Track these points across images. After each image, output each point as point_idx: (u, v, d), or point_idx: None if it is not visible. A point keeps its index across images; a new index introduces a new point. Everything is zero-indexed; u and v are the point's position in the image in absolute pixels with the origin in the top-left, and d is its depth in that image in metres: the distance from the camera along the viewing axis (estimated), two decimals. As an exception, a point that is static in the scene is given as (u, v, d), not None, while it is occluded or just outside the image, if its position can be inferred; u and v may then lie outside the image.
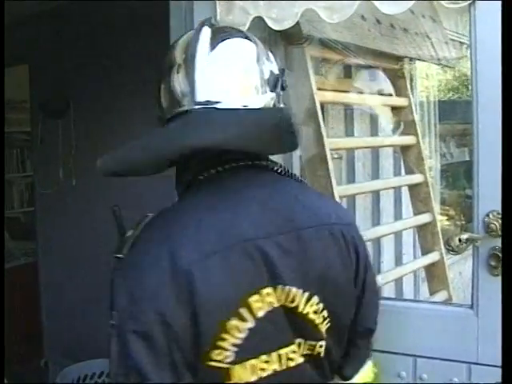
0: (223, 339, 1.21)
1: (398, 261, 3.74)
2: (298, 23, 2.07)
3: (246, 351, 1.24)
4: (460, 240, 1.76)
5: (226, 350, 1.21)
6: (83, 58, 4.07)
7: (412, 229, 3.65)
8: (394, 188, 3.70)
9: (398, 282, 3.50)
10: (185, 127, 1.27)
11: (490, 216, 1.74)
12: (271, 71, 1.36)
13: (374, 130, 3.60)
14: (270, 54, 1.40)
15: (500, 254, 1.72)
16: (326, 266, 1.32)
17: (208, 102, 1.29)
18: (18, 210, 6.19)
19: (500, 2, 1.66)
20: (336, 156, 2.93)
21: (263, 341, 1.27)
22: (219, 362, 1.21)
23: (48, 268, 4.70)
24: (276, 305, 1.26)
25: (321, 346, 1.32)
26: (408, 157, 3.45)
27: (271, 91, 1.35)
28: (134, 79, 3.71)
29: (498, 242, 1.73)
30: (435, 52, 3.93)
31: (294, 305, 1.27)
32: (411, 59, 3.80)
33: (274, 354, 1.28)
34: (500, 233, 1.72)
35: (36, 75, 4.57)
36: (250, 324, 1.23)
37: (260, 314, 1.24)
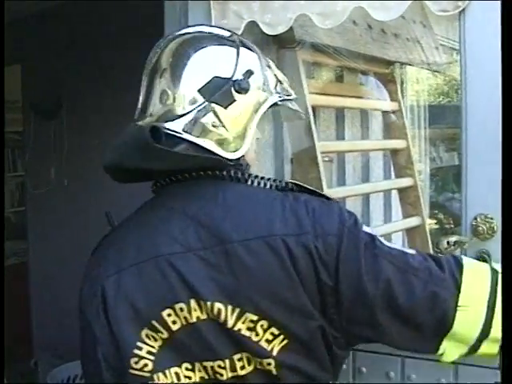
0: (139, 348, 1.26)
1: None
2: (290, 28, 2.10)
3: (166, 360, 1.27)
4: (448, 243, 1.78)
5: (143, 358, 1.27)
6: (76, 59, 4.08)
7: (401, 232, 3.67)
8: (383, 191, 3.73)
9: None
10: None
11: (478, 219, 1.77)
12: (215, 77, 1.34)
13: (365, 133, 3.63)
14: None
15: (487, 257, 1.75)
16: (264, 281, 1.24)
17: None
18: (9, 210, 6.18)
19: (489, 9, 1.70)
20: (327, 159, 2.96)
21: (184, 351, 1.28)
22: (139, 370, 1.27)
23: (39, 268, 4.70)
24: (196, 320, 1.25)
25: (269, 364, 1.27)
26: (398, 160, 3.48)
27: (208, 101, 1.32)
28: (127, 80, 3.72)
29: (486, 245, 1.76)
30: (426, 57, 3.96)
31: (221, 320, 1.24)
32: (402, 64, 3.83)
33: (198, 364, 1.28)
34: (487, 236, 1.75)
35: (28, 75, 4.58)
36: (165, 335, 1.26)
37: (175, 327, 1.26)
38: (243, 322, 1.24)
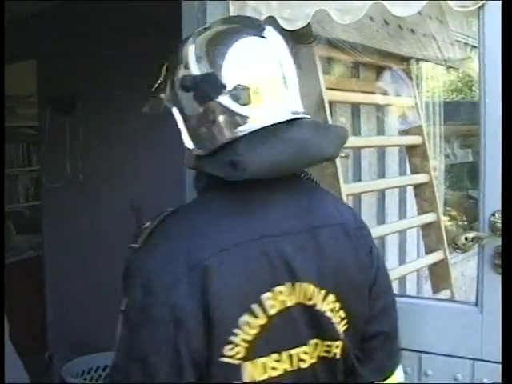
0: (235, 334, 1.23)
1: (402, 259, 3.77)
2: (308, 23, 2.09)
3: (258, 349, 1.26)
4: (466, 239, 1.79)
5: (238, 345, 1.24)
6: (91, 54, 4.10)
7: (415, 228, 3.68)
8: (399, 187, 3.73)
9: (402, 280, 3.53)
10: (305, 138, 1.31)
11: (496, 215, 1.77)
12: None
13: (381, 129, 3.63)
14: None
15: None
16: (341, 265, 1.34)
17: None
18: (23, 204, 6.24)
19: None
20: (343, 155, 2.96)
21: (275, 339, 1.29)
22: (231, 357, 1.24)
23: (53, 262, 4.72)
24: (291, 303, 1.28)
25: (337, 347, 1.34)
26: (413, 157, 3.48)
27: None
28: (142, 75, 3.74)
29: (504, 241, 1.76)
30: (441, 53, 3.96)
31: (311, 303, 1.30)
32: (417, 60, 3.82)
33: (285, 354, 1.30)
34: (506, 232, 1.75)
35: (44, 70, 4.58)
36: (262, 321, 1.26)
37: (272, 311, 1.26)
38: (327, 304, 1.31)
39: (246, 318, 1.24)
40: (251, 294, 1.25)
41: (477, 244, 1.82)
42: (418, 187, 3.49)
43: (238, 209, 1.31)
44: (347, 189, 2.79)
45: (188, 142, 1.35)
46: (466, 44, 4.16)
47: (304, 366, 1.32)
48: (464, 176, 5.18)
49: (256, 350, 1.26)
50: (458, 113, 4.83)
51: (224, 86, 1.29)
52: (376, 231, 3.37)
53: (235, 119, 1.29)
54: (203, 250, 1.24)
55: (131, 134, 3.95)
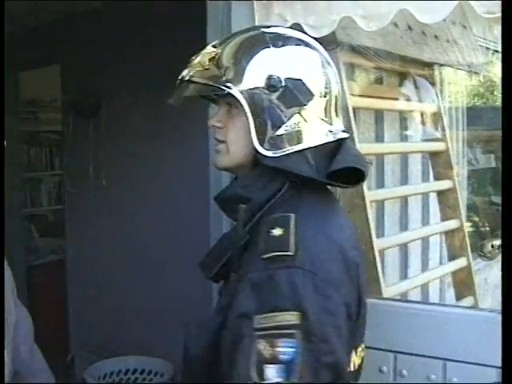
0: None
1: (425, 266, 3.75)
2: (332, 30, 2.10)
3: (354, 340, 1.37)
4: (493, 246, 1.78)
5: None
6: (115, 58, 4.12)
7: (438, 234, 3.66)
8: (422, 194, 3.72)
9: (424, 287, 3.51)
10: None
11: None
12: None
13: (404, 135, 3.62)
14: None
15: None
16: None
17: None
18: (46, 208, 6.28)
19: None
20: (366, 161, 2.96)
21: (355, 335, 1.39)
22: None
23: (76, 265, 4.75)
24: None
25: (362, 350, 1.44)
26: (437, 163, 3.47)
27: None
28: (165, 79, 3.75)
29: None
30: (464, 58, 3.94)
31: None
32: (440, 65, 3.81)
33: (360, 348, 1.42)
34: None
35: (68, 75, 4.61)
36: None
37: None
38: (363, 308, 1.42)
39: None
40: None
41: (503, 251, 1.81)
42: (441, 193, 3.48)
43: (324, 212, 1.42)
44: (371, 195, 2.79)
45: (255, 141, 1.37)
46: (487, 49, 4.14)
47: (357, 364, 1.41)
48: (487, 182, 5.16)
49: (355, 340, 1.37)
50: (481, 118, 4.81)
51: (312, 94, 1.38)
52: (399, 238, 3.37)
53: (319, 127, 1.40)
54: (350, 249, 1.36)
55: (155, 139, 3.97)
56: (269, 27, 1.50)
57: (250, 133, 1.38)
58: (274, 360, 1.18)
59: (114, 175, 4.27)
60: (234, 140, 1.44)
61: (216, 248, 1.53)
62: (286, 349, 1.18)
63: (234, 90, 1.38)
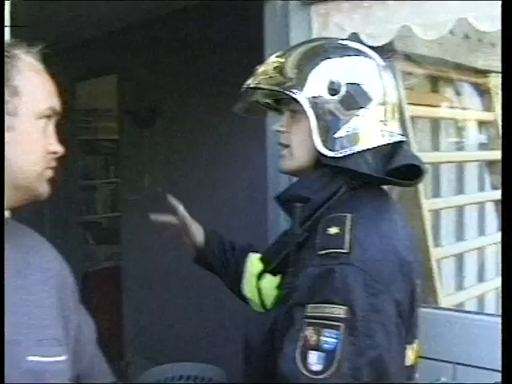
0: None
1: (481, 277, 3.70)
2: (389, 38, 2.11)
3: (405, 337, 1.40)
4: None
5: None
6: (172, 68, 4.18)
7: (495, 245, 3.60)
8: (479, 203, 3.67)
9: (481, 298, 3.47)
10: None
11: None
12: None
13: (460, 144, 3.58)
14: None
15: None
16: None
17: None
18: (101, 215, 6.38)
19: None
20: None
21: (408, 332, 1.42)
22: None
23: (131, 272, 4.82)
24: None
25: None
26: (494, 172, 3.42)
27: None
28: (221, 89, 3.79)
29: None
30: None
31: None
32: (497, 73, 3.76)
33: (415, 345, 1.47)
34: None
35: (124, 85, 4.70)
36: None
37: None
38: None
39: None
40: None
41: None
42: (498, 203, 3.42)
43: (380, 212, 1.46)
44: (427, 204, 2.78)
45: (318, 142, 1.44)
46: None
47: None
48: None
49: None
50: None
51: (370, 98, 1.46)
52: (455, 248, 3.33)
53: (377, 129, 1.48)
54: (404, 249, 1.40)
55: (211, 145, 4.00)
56: (329, 39, 1.56)
57: (312, 136, 1.45)
58: (317, 347, 1.27)
59: (170, 183, 4.32)
60: (298, 144, 1.52)
61: (275, 244, 1.63)
62: (329, 338, 1.26)
63: (299, 95, 1.46)
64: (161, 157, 4.39)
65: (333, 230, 1.37)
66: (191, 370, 3.95)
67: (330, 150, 1.45)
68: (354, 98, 1.45)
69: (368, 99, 1.46)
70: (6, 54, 1.16)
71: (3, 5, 1.24)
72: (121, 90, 4.81)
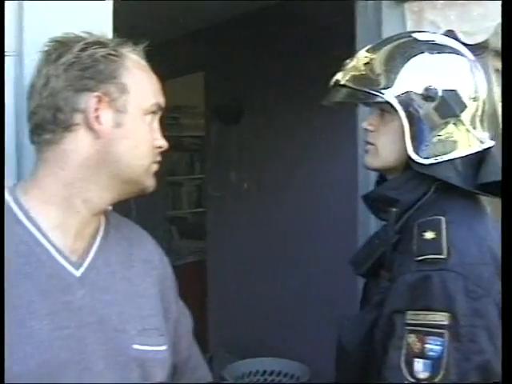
0: None
1: None
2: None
3: None
4: None
5: None
6: (258, 66, 4.19)
7: None
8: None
9: None
10: None
11: None
12: None
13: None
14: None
15: None
16: None
17: None
18: (187, 211, 6.48)
19: None
20: None
21: None
22: None
23: (216, 267, 4.87)
24: None
25: None
26: None
27: None
28: (308, 87, 3.78)
29: None
30: None
31: None
32: None
33: None
34: None
35: (211, 82, 4.74)
36: None
37: None
38: None
39: None
40: None
41: None
42: None
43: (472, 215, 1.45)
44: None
45: (409, 147, 1.44)
46: None
47: None
48: None
49: None
50: None
51: (465, 105, 1.45)
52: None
53: (469, 136, 1.46)
54: (498, 249, 1.36)
55: (298, 141, 4.00)
56: (420, 32, 1.53)
57: (402, 139, 1.45)
58: (422, 355, 1.26)
59: (255, 180, 4.35)
60: (385, 144, 1.51)
61: (366, 246, 1.62)
62: (434, 346, 1.26)
63: (391, 97, 1.45)
64: (247, 153, 4.41)
65: (429, 235, 1.36)
66: (274, 365, 3.98)
67: (420, 156, 1.44)
68: (450, 105, 1.44)
69: (463, 105, 1.45)
70: (113, 52, 1.20)
71: (3, 5, 1.28)
72: (207, 87, 4.86)
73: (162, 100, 1.27)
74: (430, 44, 1.51)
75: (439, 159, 1.43)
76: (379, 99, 1.48)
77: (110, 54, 1.19)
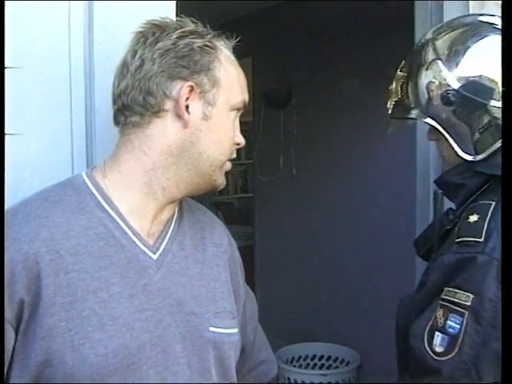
0: None
1: None
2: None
3: None
4: None
5: None
6: (307, 50, 4.19)
7: None
8: None
9: None
10: None
11: None
12: None
13: None
14: None
15: None
16: None
17: None
18: (233, 196, 6.51)
19: None
20: None
21: None
22: None
23: (264, 252, 4.90)
24: None
25: None
26: None
27: None
28: (359, 72, 3.77)
29: None
30: None
31: None
32: None
33: None
34: None
35: (259, 67, 4.74)
36: None
37: None
38: None
39: None
40: None
41: None
42: None
43: None
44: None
45: (458, 150, 1.47)
46: None
47: None
48: None
49: None
50: None
51: (492, 90, 1.42)
52: None
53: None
54: None
55: (346, 131, 3.99)
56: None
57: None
58: (442, 329, 1.32)
59: (304, 165, 4.35)
60: (445, 150, 1.54)
61: (428, 228, 1.62)
62: (453, 323, 1.30)
63: (428, 119, 1.50)
64: (295, 138, 4.41)
65: (473, 218, 1.38)
66: (324, 349, 4.00)
67: (470, 154, 1.46)
68: (472, 99, 1.43)
69: (490, 91, 1.43)
70: (209, 44, 1.21)
71: (3, 5, 1.28)
72: (256, 71, 4.86)
73: (247, 98, 1.27)
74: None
75: (489, 151, 1.44)
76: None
77: (206, 46, 1.20)
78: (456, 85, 1.44)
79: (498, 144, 1.42)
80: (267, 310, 4.79)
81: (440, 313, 1.33)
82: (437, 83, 1.47)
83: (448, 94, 1.44)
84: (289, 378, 3.69)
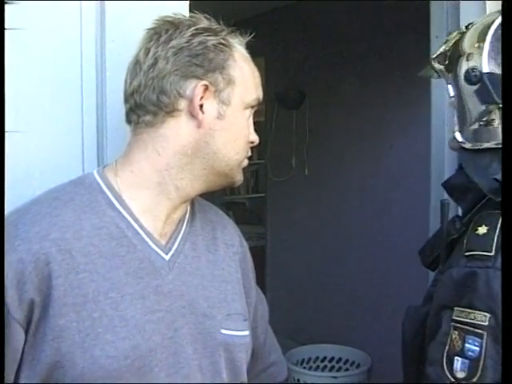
0: None
1: None
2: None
3: None
4: None
5: None
6: (320, 51, 4.17)
7: None
8: None
9: None
10: None
11: None
12: None
13: None
14: None
15: None
16: None
17: None
18: (244, 196, 6.50)
19: None
20: None
21: None
22: None
23: (276, 252, 4.89)
24: None
25: None
26: None
27: None
28: (370, 73, 3.75)
29: None
30: None
31: None
32: None
33: None
34: None
35: (272, 67, 4.72)
36: None
37: None
38: None
39: None
40: None
41: None
42: None
43: None
44: None
45: (456, 127, 1.43)
46: None
47: None
48: None
49: None
50: None
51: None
52: None
53: None
54: None
55: (359, 132, 3.97)
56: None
57: None
58: (461, 353, 1.24)
59: (317, 166, 4.34)
60: None
61: (434, 237, 1.56)
62: (472, 346, 1.22)
63: (449, 86, 1.47)
64: (308, 139, 4.40)
65: (481, 230, 1.31)
66: (335, 351, 3.97)
67: (464, 138, 1.42)
68: (490, 91, 1.36)
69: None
70: (223, 42, 1.19)
71: (3, 5, 1.26)
72: (269, 72, 4.84)
73: (261, 95, 1.25)
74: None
75: (478, 146, 1.39)
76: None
77: (220, 44, 1.18)
78: (485, 69, 1.37)
79: (486, 145, 1.37)
80: (278, 311, 4.78)
81: (456, 336, 1.25)
82: (473, 56, 1.40)
83: (474, 71, 1.37)
84: (299, 380, 3.66)
